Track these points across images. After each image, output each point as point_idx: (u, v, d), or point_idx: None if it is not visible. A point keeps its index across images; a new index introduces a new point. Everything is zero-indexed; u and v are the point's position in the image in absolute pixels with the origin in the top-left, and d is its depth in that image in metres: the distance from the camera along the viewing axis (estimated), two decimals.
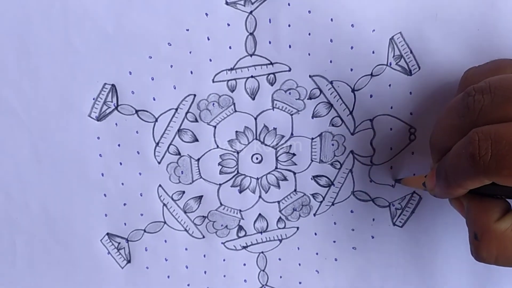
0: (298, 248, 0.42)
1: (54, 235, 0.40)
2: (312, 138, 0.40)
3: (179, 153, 0.40)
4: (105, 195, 0.40)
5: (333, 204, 0.41)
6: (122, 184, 0.40)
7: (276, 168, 0.40)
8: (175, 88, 0.39)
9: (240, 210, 0.41)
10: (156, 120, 0.39)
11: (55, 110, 0.38)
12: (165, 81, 0.38)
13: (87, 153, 0.39)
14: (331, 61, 0.38)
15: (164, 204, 0.40)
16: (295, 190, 0.41)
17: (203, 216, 0.41)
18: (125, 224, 0.41)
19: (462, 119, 0.31)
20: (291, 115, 0.39)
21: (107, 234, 0.41)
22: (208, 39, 0.38)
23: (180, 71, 0.38)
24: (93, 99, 0.38)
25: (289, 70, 0.39)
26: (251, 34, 0.38)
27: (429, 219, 0.41)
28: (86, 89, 0.38)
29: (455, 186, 0.31)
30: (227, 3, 0.37)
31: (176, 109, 0.39)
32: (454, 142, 0.32)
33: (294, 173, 0.41)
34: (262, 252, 0.42)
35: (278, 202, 0.41)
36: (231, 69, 0.38)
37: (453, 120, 0.32)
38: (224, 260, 0.42)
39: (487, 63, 0.35)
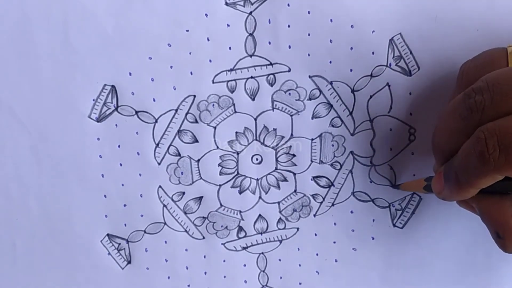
0: (298, 249, 0.42)
1: (54, 236, 0.40)
2: (312, 139, 0.40)
3: (179, 154, 0.40)
4: (105, 196, 0.40)
5: (333, 204, 0.41)
6: (122, 185, 0.40)
7: (276, 169, 0.40)
8: (175, 89, 0.39)
9: (240, 211, 0.41)
10: (156, 121, 0.39)
11: (55, 111, 0.39)
12: (165, 82, 0.38)
13: (87, 154, 0.39)
14: (330, 62, 0.38)
15: (164, 205, 0.40)
16: (295, 191, 0.41)
17: (203, 217, 0.41)
18: (125, 225, 0.41)
19: (466, 121, 0.31)
20: (291, 116, 0.39)
21: (107, 235, 0.41)
22: (208, 39, 0.38)
23: (180, 72, 0.38)
24: (93, 100, 0.38)
25: (289, 71, 0.39)
26: (251, 34, 0.38)
27: (430, 220, 0.41)
28: (86, 90, 0.38)
29: (467, 186, 0.32)
30: (226, 4, 0.37)
31: (176, 110, 0.39)
32: (460, 144, 0.32)
33: (294, 174, 0.41)
34: (262, 253, 0.42)
35: (278, 203, 0.41)
36: (231, 69, 0.38)
37: (456, 123, 0.32)
38: (224, 261, 0.42)
39: (481, 55, 0.35)
